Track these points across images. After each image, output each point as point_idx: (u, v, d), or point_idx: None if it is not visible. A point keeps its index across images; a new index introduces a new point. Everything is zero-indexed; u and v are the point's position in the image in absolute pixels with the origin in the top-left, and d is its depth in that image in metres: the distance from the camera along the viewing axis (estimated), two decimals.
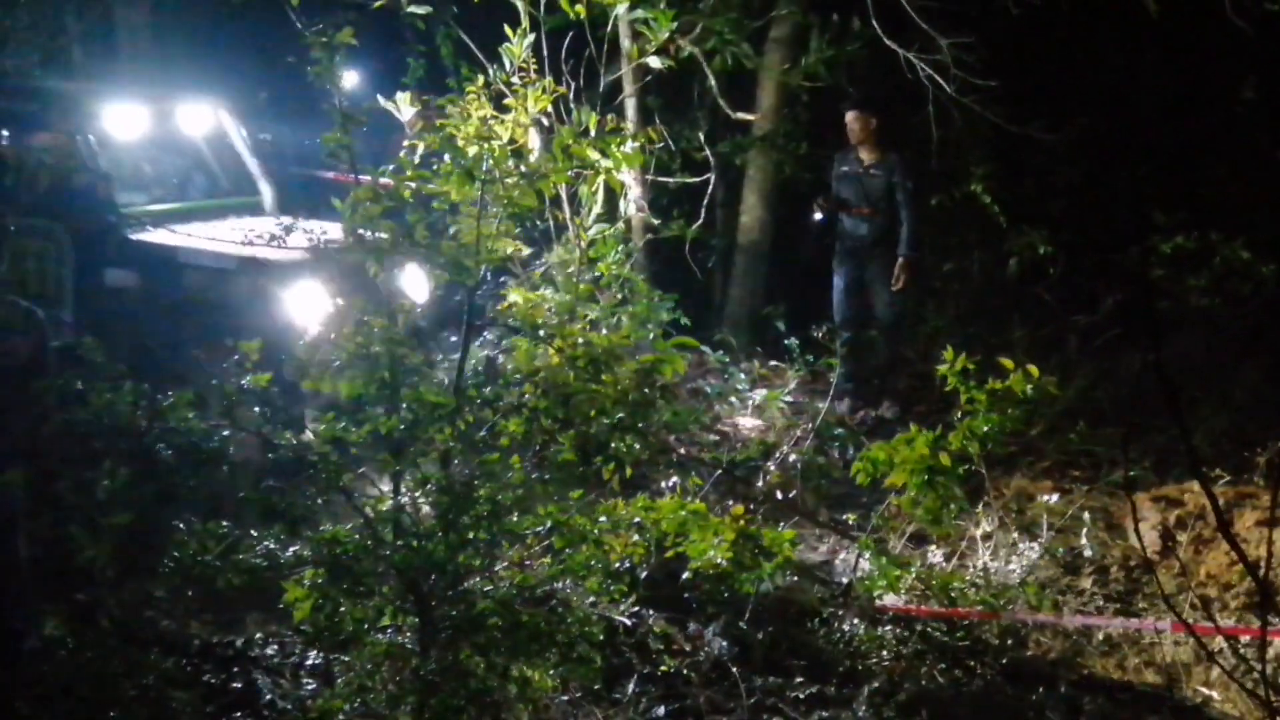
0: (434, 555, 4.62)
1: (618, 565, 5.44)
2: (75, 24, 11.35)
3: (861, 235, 9.05)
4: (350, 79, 6.97)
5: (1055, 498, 7.50)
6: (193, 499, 4.77)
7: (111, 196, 8.22)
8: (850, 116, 8.99)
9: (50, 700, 4.99)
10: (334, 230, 8.49)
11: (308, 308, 7.45)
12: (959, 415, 6.08)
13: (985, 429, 5.93)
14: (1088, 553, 7.01)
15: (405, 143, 5.88)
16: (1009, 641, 5.94)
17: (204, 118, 9.34)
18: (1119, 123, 10.36)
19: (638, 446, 5.31)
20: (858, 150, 9.02)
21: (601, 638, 5.26)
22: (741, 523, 5.81)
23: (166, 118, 9.04)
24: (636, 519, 5.56)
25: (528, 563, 5.13)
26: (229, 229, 8.54)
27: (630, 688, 5.47)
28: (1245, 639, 5.65)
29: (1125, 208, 10.17)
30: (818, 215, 9.32)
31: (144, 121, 8.74)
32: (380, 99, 5.99)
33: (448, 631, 4.71)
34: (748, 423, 8.59)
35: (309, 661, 5.57)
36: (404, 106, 7.83)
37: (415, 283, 7.74)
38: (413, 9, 7.76)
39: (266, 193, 9.52)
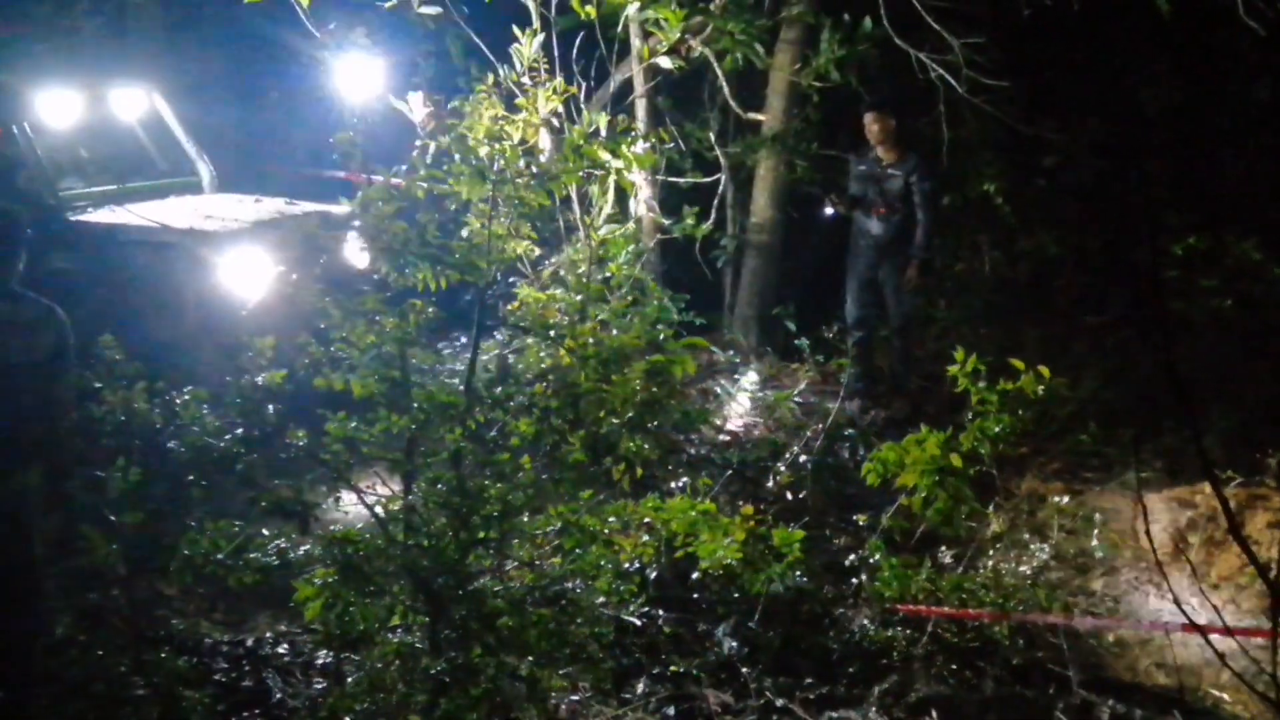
0: (445, 555, 4.63)
1: (628, 565, 5.45)
2: (90, 21, 11.33)
3: (877, 235, 9.04)
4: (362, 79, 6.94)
5: (1066, 499, 7.48)
6: (204, 497, 4.77)
7: (48, 180, 8.43)
8: (869, 117, 8.99)
9: (63, 698, 5.01)
10: (272, 203, 8.85)
11: (248, 276, 7.69)
12: (970, 416, 6.08)
13: (996, 430, 5.93)
14: (1098, 554, 6.99)
15: (417, 142, 5.91)
16: (1019, 642, 5.93)
17: (137, 102, 9.52)
18: (1131, 123, 10.34)
19: (647, 447, 5.31)
20: (875, 150, 9.01)
21: (612, 638, 5.27)
22: (751, 523, 5.82)
23: (99, 103, 9.20)
24: (646, 519, 5.58)
25: (538, 562, 5.13)
26: (169, 208, 8.77)
27: (640, 687, 5.47)
28: (1258, 641, 5.64)
29: (1137, 208, 10.14)
30: (830, 210, 9.33)
31: (77, 108, 8.89)
32: (391, 99, 5.99)
33: (458, 631, 4.71)
34: (758, 423, 8.57)
35: (319, 661, 5.58)
36: (416, 106, 7.85)
37: (356, 253, 7.91)
38: (424, 9, 7.78)
39: (205, 173, 9.69)
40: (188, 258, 8.00)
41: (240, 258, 7.95)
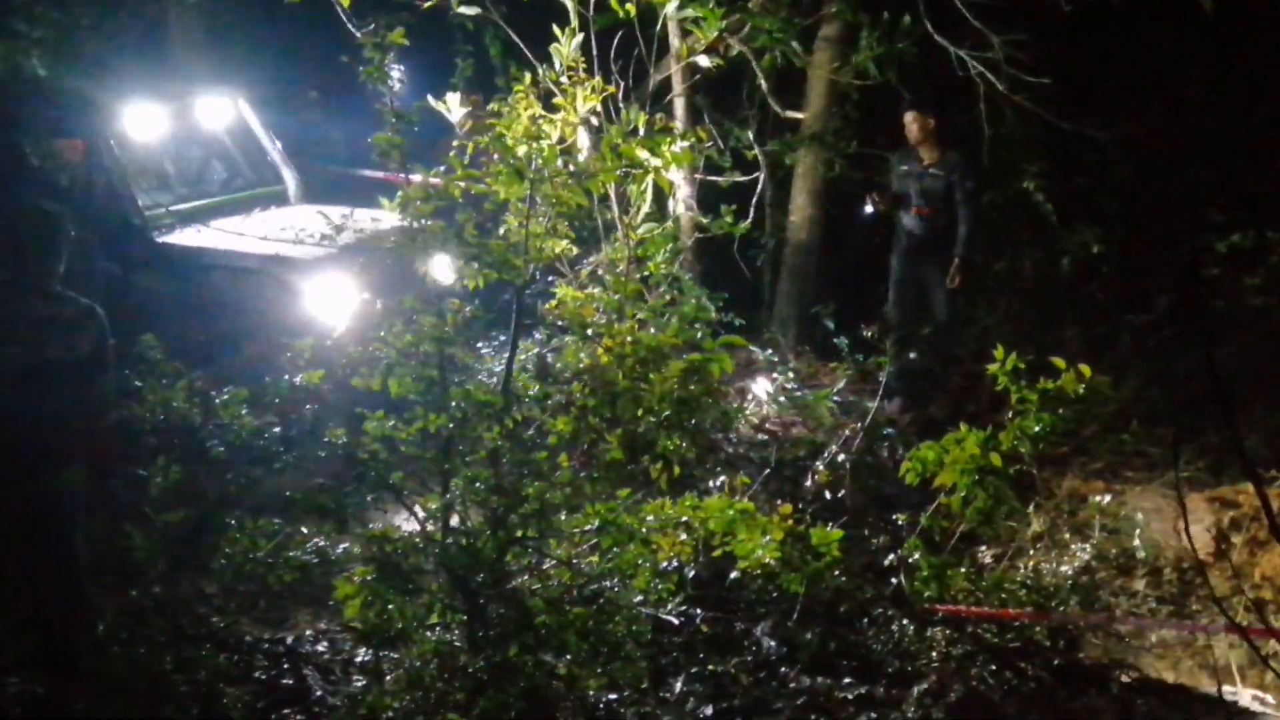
0: (482, 553, 4.64)
1: (665, 564, 5.45)
2: (134, 25, 11.35)
3: (919, 234, 9.01)
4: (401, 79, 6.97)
5: (1108, 498, 7.42)
6: (242, 495, 4.81)
7: (135, 199, 8.24)
8: (909, 117, 8.95)
9: (105, 695, 5.05)
10: (362, 219, 8.44)
11: (334, 303, 7.46)
12: (1010, 415, 6.04)
13: (1036, 429, 5.89)
14: (1140, 554, 6.93)
15: (455, 142, 5.90)
16: (1060, 643, 5.89)
17: (223, 111, 9.32)
18: (1173, 119, 10.24)
19: (685, 445, 5.31)
20: (917, 150, 8.98)
21: (649, 636, 5.27)
22: (790, 522, 5.80)
23: (185, 114, 9.03)
24: (684, 518, 5.57)
25: (576, 561, 5.14)
26: (254, 223, 8.54)
27: (678, 686, 5.46)
28: None
29: (1180, 206, 10.05)
30: (869, 208, 9.31)
31: (163, 120, 8.73)
32: (430, 99, 6.01)
33: (496, 629, 4.73)
34: (796, 422, 8.55)
35: (359, 658, 5.60)
36: (453, 107, 7.84)
37: (444, 270, 7.77)
38: (462, 9, 7.80)
39: (290, 182, 9.47)
40: (272, 284, 7.85)
41: (326, 284, 7.77)
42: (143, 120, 8.53)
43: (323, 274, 7.85)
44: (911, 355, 9.10)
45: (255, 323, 7.59)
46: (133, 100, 8.55)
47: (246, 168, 9.43)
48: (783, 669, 5.65)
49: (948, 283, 8.92)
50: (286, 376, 4.96)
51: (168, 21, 11.45)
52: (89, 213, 7.77)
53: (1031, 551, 6.73)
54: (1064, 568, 6.54)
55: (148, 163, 8.68)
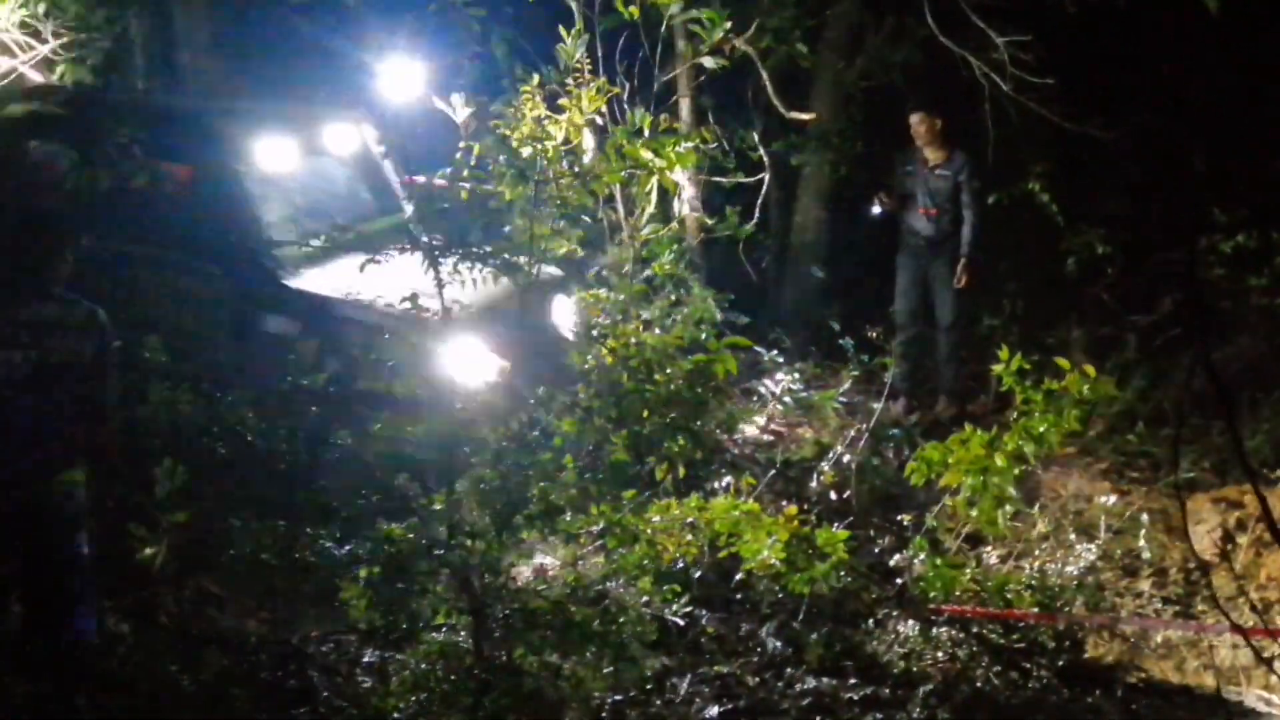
0: (487, 554, 4.64)
1: (671, 565, 5.45)
2: (140, 27, 11.24)
3: (926, 234, 9.02)
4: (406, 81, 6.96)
5: (1113, 499, 7.42)
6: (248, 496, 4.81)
7: (266, 239, 7.62)
8: (915, 118, 8.96)
9: (110, 696, 5.05)
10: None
11: (468, 360, 6.86)
12: (1015, 416, 6.05)
13: (1041, 429, 5.90)
14: (1146, 555, 6.93)
15: (460, 144, 5.91)
16: (1065, 644, 5.89)
17: (349, 137, 8.62)
18: (1178, 120, 10.23)
19: (690, 446, 5.32)
20: (923, 150, 8.99)
21: (654, 638, 5.27)
22: (795, 523, 5.81)
23: (315, 141, 8.39)
24: (690, 519, 5.57)
25: (581, 562, 5.15)
26: (387, 268, 7.68)
27: (683, 687, 5.46)
28: None
29: (1184, 206, 10.04)
30: (877, 208, 9.31)
31: (294, 151, 8.10)
32: (436, 100, 6.02)
33: (501, 630, 4.73)
34: (802, 423, 8.55)
35: (365, 659, 5.60)
36: (459, 108, 7.84)
37: (565, 316, 7.57)
38: (469, 10, 7.81)
39: (410, 212, 8.78)
40: (406, 344, 7.37)
41: (460, 346, 7.39)
42: (271, 150, 7.96)
43: (457, 336, 7.38)
44: (917, 356, 9.11)
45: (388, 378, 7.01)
46: (260, 129, 8.00)
47: (370, 198, 8.76)
48: (788, 670, 5.65)
49: (954, 283, 8.92)
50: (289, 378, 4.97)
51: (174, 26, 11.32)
52: (199, 243, 7.44)
53: (1036, 552, 6.73)
54: (1069, 569, 6.53)
55: (277, 196, 8.07)
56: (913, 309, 9.19)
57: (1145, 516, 7.17)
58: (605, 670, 4.92)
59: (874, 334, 9.00)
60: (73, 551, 5.07)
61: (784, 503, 6.84)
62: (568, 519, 5.01)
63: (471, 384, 6.64)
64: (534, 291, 7.50)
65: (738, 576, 6.06)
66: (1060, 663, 5.74)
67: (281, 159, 7.97)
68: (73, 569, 5.07)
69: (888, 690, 5.55)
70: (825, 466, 7.59)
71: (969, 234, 8.87)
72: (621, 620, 4.95)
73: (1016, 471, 5.95)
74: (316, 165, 8.48)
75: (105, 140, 7.55)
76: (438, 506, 4.78)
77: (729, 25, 8.08)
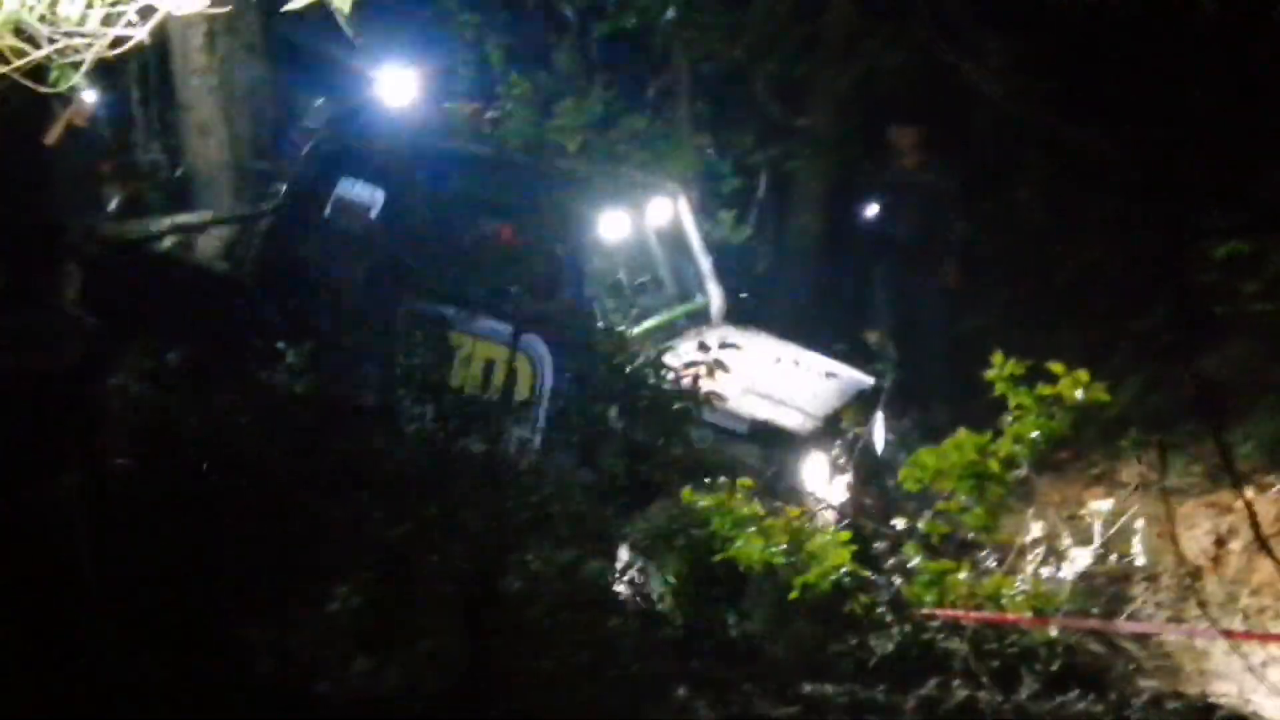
0: (480, 558, 4.66)
1: (670, 571, 5.46)
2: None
3: (910, 239, 9.07)
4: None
5: (1107, 505, 7.43)
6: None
7: (595, 313, 6.89)
8: (901, 131, 9.03)
9: (108, 703, 5.05)
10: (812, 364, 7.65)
11: (814, 477, 6.81)
12: (1010, 420, 6.06)
13: (1034, 434, 5.91)
14: (1139, 560, 6.95)
15: None
16: (1059, 649, 5.90)
17: (666, 212, 8.04)
18: (1172, 126, 10.26)
19: (684, 450, 5.33)
20: (903, 157, 9.05)
21: (650, 643, 5.28)
22: (793, 525, 5.81)
23: (640, 213, 7.86)
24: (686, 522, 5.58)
25: (576, 567, 5.16)
26: (735, 368, 6.98)
27: (679, 692, 5.47)
28: None
29: (1179, 212, 10.06)
30: (869, 212, 9.37)
31: (624, 221, 7.58)
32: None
33: (496, 635, 4.74)
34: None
35: (359, 663, 5.60)
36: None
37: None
38: (466, 17, 7.83)
39: (715, 297, 8.13)
40: (757, 452, 6.77)
41: (815, 461, 6.91)
42: (608, 219, 7.40)
43: (813, 449, 6.95)
44: (905, 360, 9.13)
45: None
46: (594, 192, 7.41)
47: (671, 279, 8.12)
48: (783, 674, 5.65)
49: (942, 282, 8.99)
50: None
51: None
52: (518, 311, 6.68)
53: (1030, 557, 6.74)
54: (1062, 574, 6.55)
55: (604, 269, 7.41)
56: (898, 313, 9.24)
57: (1139, 522, 7.18)
58: (599, 676, 4.93)
59: (871, 338, 9.04)
60: (72, 561, 5.03)
61: (781, 505, 6.82)
62: (562, 523, 5.04)
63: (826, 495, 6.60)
64: (866, 404, 7.48)
65: (734, 579, 6.05)
66: (1054, 668, 5.75)
67: (614, 229, 7.45)
68: (72, 579, 5.04)
69: (882, 695, 5.56)
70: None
71: (954, 236, 8.96)
72: (614, 625, 4.96)
73: (1009, 476, 5.96)
74: (639, 239, 7.88)
75: (419, 186, 7.10)
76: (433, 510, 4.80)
77: (725, 32, 8.12)
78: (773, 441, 6.70)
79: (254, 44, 10.59)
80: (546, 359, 6.55)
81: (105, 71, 9.88)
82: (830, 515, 6.54)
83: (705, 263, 8.08)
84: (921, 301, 9.17)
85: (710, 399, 5.85)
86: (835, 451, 6.88)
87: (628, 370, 5.67)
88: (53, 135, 9.79)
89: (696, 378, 5.62)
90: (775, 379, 7.21)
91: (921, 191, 9.01)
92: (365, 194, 7.05)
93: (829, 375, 7.51)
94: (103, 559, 5.42)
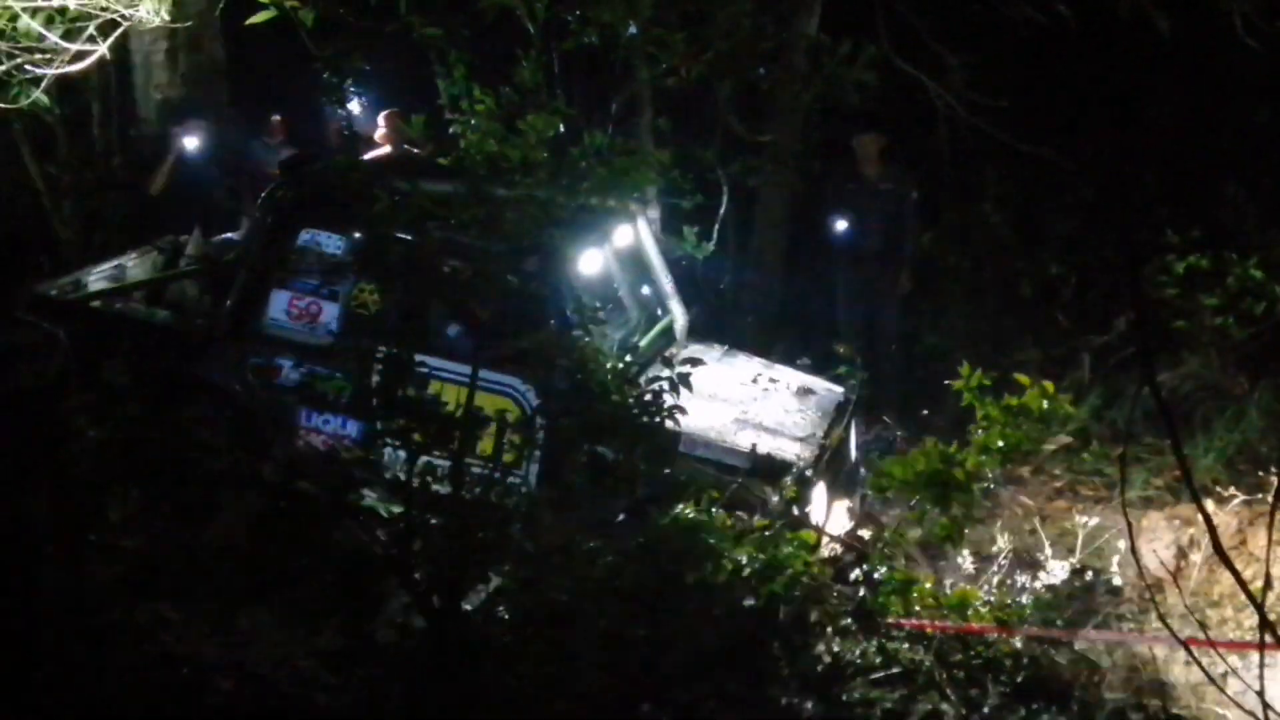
0: (444, 573, 4.64)
1: (632, 582, 5.44)
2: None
3: (869, 248, 9.15)
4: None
5: (1077, 518, 7.47)
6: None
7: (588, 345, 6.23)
8: (864, 139, 9.10)
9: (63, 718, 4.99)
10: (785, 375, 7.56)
11: (818, 506, 6.68)
12: (978, 430, 6.07)
13: (1000, 444, 5.93)
14: (1101, 572, 6.99)
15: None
16: (1023, 660, 5.91)
17: (628, 231, 7.85)
18: (1131, 142, 10.36)
19: (649, 464, 5.32)
20: (866, 168, 9.12)
21: (615, 659, 5.26)
22: (758, 535, 5.81)
23: (603, 237, 7.53)
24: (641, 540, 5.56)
25: (539, 581, 5.13)
26: (721, 396, 7.14)
27: (645, 709, 5.45)
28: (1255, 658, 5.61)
29: (1138, 227, 10.15)
30: (831, 221, 9.42)
31: (589, 246, 7.24)
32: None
33: (461, 650, 4.72)
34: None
35: (322, 679, 5.56)
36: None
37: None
38: (428, 30, 7.81)
39: (678, 315, 7.96)
40: (758, 490, 6.57)
41: (815, 493, 6.74)
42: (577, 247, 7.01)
43: (812, 480, 6.76)
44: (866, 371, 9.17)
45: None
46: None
47: (632, 300, 7.92)
48: (749, 687, 5.63)
49: (899, 288, 9.07)
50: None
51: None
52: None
53: (995, 568, 6.76)
54: (1026, 584, 6.57)
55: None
56: (858, 324, 9.30)
57: (1100, 534, 7.22)
58: (564, 693, 4.90)
59: (839, 349, 9.06)
60: (34, 577, 4.97)
61: (744, 515, 6.81)
62: (526, 539, 5.01)
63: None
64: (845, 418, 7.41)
65: (692, 589, 6.03)
66: (1018, 679, 5.76)
67: (580, 254, 7.13)
68: (33, 595, 4.98)
69: (846, 710, 5.55)
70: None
71: (910, 246, 9.07)
72: (580, 641, 4.94)
73: (976, 488, 5.98)
74: (604, 263, 7.56)
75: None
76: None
77: (686, 46, 8.14)
78: (776, 474, 6.56)
79: (216, 61, 10.60)
80: (530, 398, 6.34)
81: (67, 89, 9.84)
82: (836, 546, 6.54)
83: (667, 282, 8.00)
84: (882, 312, 9.23)
85: (675, 413, 5.73)
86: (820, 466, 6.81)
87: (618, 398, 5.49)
88: (156, 185, 9.66)
89: (660, 393, 5.55)
90: (761, 404, 7.17)
91: (884, 200, 9.07)
92: (329, 244, 6.92)
93: (806, 391, 7.45)
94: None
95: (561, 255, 6.68)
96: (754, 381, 7.43)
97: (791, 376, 7.64)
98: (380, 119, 10.15)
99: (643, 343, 7.20)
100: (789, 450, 6.76)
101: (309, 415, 6.77)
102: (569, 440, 5.45)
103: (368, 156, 10.06)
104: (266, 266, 7.00)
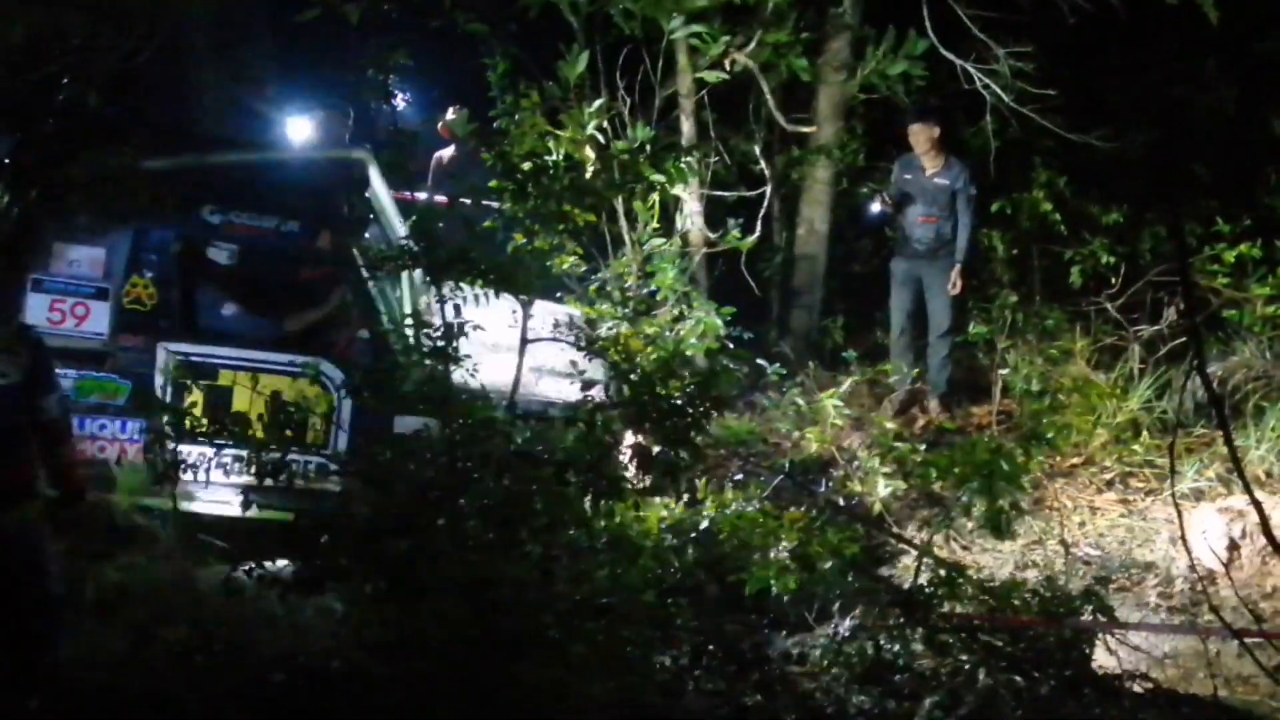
0: (491, 567, 4.65)
1: (676, 575, 5.44)
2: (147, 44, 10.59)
3: (923, 242, 9.06)
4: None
5: (1120, 509, 7.42)
6: None
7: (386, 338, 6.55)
8: (914, 128, 9.01)
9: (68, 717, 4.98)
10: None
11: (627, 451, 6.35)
12: (1029, 423, 6.04)
13: (1048, 436, 5.90)
14: (1152, 564, 6.93)
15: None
16: (1072, 653, 5.87)
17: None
18: (1181, 130, 10.26)
19: (691, 459, 5.31)
20: (920, 159, 9.04)
21: (660, 648, 5.27)
22: (800, 527, 5.79)
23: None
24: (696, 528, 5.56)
25: (585, 573, 5.14)
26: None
27: (689, 698, 5.45)
28: None
29: (1188, 215, 10.05)
30: (876, 207, 9.38)
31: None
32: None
33: (506, 644, 4.73)
34: (807, 434, 8.54)
35: (368, 672, 5.58)
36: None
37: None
38: (473, 26, 7.83)
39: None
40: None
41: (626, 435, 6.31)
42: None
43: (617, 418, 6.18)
44: (911, 362, 9.12)
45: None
46: None
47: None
48: (794, 680, 5.63)
49: (949, 289, 8.96)
50: None
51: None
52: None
53: (1043, 560, 6.73)
54: (1075, 577, 6.53)
55: None
56: (906, 315, 9.22)
57: (1151, 525, 7.17)
58: (609, 683, 4.91)
59: (878, 342, 9.03)
60: (39, 589, 4.90)
61: (789, 509, 6.80)
62: (571, 532, 5.02)
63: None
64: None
65: (743, 584, 6.03)
66: (1067, 672, 5.72)
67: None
68: (39, 608, 4.92)
69: (894, 701, 5.54)
70: (833, 473, 7.59)
71: (964, 242, 8.94)
72: (625, 632, 4.94)
73: (1021, 479, 5.95)
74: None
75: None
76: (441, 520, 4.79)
77: (729, 39, 8.11)
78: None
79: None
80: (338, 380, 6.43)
81: None
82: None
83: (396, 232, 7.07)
84: (933, 304, 9.14)
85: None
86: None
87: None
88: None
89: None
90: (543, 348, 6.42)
91: (936, 192, 8.99)
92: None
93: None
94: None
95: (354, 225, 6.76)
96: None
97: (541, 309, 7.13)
98: (449, 113, 9.96)
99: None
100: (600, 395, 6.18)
101: (81, 422, 6.36)
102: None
103: (438, 155, 10.08)
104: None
